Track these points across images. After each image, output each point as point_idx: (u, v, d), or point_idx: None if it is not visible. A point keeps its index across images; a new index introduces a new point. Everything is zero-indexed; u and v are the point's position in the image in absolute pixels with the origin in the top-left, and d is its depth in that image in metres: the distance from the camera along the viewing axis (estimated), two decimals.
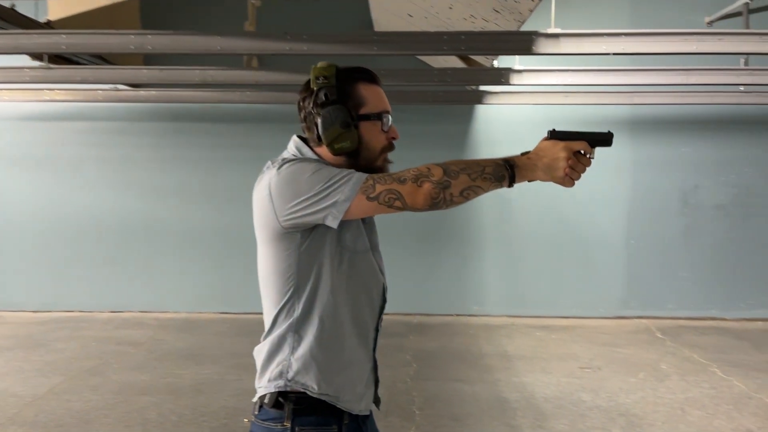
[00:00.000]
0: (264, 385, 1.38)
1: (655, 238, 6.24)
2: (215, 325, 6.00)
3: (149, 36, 3.57)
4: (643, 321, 6.16)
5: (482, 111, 6.27)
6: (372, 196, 1.27)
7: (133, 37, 3.60)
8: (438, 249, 6.33)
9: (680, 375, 4.49)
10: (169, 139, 6.48)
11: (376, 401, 1.49)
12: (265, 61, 5.88)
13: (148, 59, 5.87)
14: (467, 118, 6.31)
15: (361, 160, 1.39)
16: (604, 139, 1.39)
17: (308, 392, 1.34)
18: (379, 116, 1.40)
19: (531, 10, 3.23)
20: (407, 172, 1.29)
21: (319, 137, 1.38)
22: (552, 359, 4.86)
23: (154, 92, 5.68)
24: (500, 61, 5.12)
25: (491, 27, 4.04)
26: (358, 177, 1.29)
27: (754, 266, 6.21)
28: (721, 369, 4.63)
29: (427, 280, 6.29)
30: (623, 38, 3.47)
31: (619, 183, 6.18)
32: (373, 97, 1.40)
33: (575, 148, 1.34)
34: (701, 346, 5.27)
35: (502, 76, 4.56)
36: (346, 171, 1.31)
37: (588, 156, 1.37)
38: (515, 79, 4.59)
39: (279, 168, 1.33)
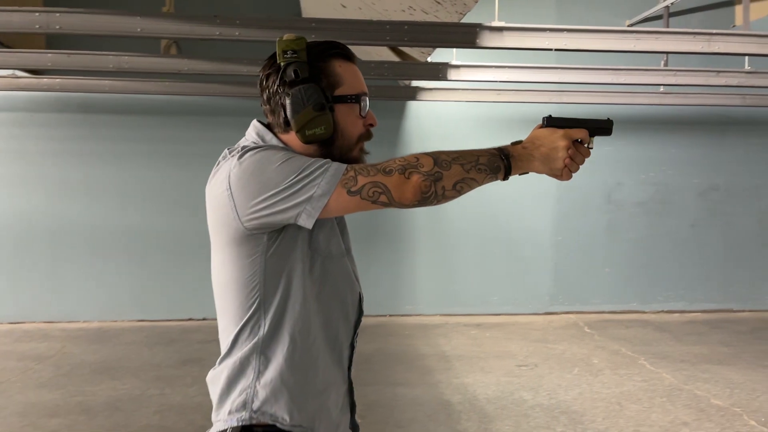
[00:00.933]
0: (223, 419, 1.15)
1: (580, 234, 6.39)
2: (131, 334, 5.54)
3: (57, 14, 3.17)
4: (571, 316, 6.28)
5: (414, 107, 6.17)
6: (354, 189, 1.08)
7: (38, 15, 3.18)
8: (369, 249, 6.17)
9: (612, 369, 4.57)
10: (76, 132, 5.93)
11: (354, 428, 1.30)
12: (184, 48, 5.50)
13: (52, 42, 5.33)
14: (398, 114, 6.19)
15: (335, 149, 1.20)
16: (604, 127, 1.27)
17: (278, 425, 1.13)
18: (357, 98, 1.21)
19: (476, 1, 3.13)
20: (392, 163, 1.11)
21: (286, 121, 1.17)
22: (489, 358, 4.82)
23: (59, 80, 5.16)
24: (432, 57, 5.03)
25: (431, 19, 3.91)
26: (337, 167, 1.10)
27: (670, 260, 6.49)
28: (649, 362, 4.75)
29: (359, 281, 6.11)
30: (565, 34, 3.44)
31: (547, 181, 6.24)
32: (351, 76, 1.21)
33: (575, 137, 1.22)
34: (627, 339, 5.42)
35: (439, 71, 4.45)
36: (321, 160, 1.11)
37: (587, 146, 1.25)
38: (453, 74, 4.50)
39: (240, 157, 1.11)
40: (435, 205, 1.14)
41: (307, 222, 1.08)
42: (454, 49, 4.50)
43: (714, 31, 3.48)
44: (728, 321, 6.16)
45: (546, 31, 3.42)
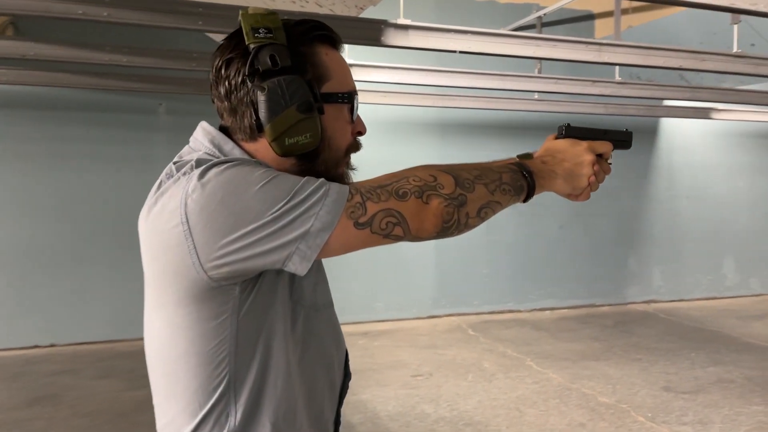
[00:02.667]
0: None
1: (460, 237, 6.43)
2: None
3: None
4: (454, 318, 6.32)
5: None
6: (363, 221, 0.81)
7: None
8: None
9: (503, 372, 4.60)
10: None
11: None
12: (23, 30, 4.69)
13: None
14: None
15: (319, 164, 0.91)
16: (624, 140, 1.11)
17: None
18: (349, 98, 0.92)
19: None
20: (405, 182, 0.85)
21: (257, 125, 0.86)
22: (383, 369, 4.64)
23: None
24: None
25: (325, 12, 3.63)
26: (339, 191, 0.81)
27: (541, 260, 6.78)
28: (535, 362, 4.86)
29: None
30: (470, 36, 3.34)
31: None
32: (340, 68, 0.92)
33: (599, 151, 1.04)
34: (510, 339, 5.54)
35: None
36: (315, 181, 0.82)
37: (608, 161, 1.08)
38: None
39: (201, 176, 0.78)
40: (455, 236, 0.90)
41: (300, 266, 0.78)
42: (347, 47, 4.26)
43: (605, 41, 3.59)
44: (593, 316, 6.55)
45: (451, 32, 3.31)
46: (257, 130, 0.85)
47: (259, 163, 0.83)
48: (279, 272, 0.83)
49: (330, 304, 0.96)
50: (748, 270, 7.69)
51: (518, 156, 1.15)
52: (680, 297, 7.35)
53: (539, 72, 5.56)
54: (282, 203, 0.76)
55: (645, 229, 7.22)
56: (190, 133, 0.89)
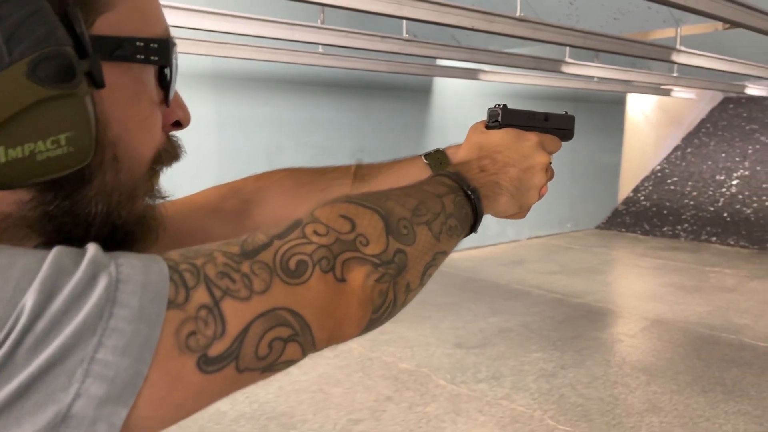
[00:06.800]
0: None
1: None
2: None
3: None
4: None
5: None
6: (218, 352, 0.36)
7: None
8: None
9: None
10: None
11: None
12: None
13: None
14: None
15: (88, 201, 0.40)
16: (569, 128, 0.78)
17: None
18: (161, 52, 0.43)
19: None
20: (295, 237, 0.41)
21: None
22: None
23: None
24: None
25: None
26: (146, 281, 0.33)
27: None
28: None
29: None
30: None
31: (206, 142, 5.57)
32: None
33: (549, 147, 0.72)
34: None
35: None
36: (70, 260, 0.32)
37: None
38: None
39: None
40: (383, 324, 0.51)
41: None
42: None
43: None
44: None
45: None
46: None
47: None
48: None
49: None
50: (505, 219, 8.48)
51: (425, 156, 0.76)
52: None
53: (322, 23, 5.20)
54: None
55: None
56: None
